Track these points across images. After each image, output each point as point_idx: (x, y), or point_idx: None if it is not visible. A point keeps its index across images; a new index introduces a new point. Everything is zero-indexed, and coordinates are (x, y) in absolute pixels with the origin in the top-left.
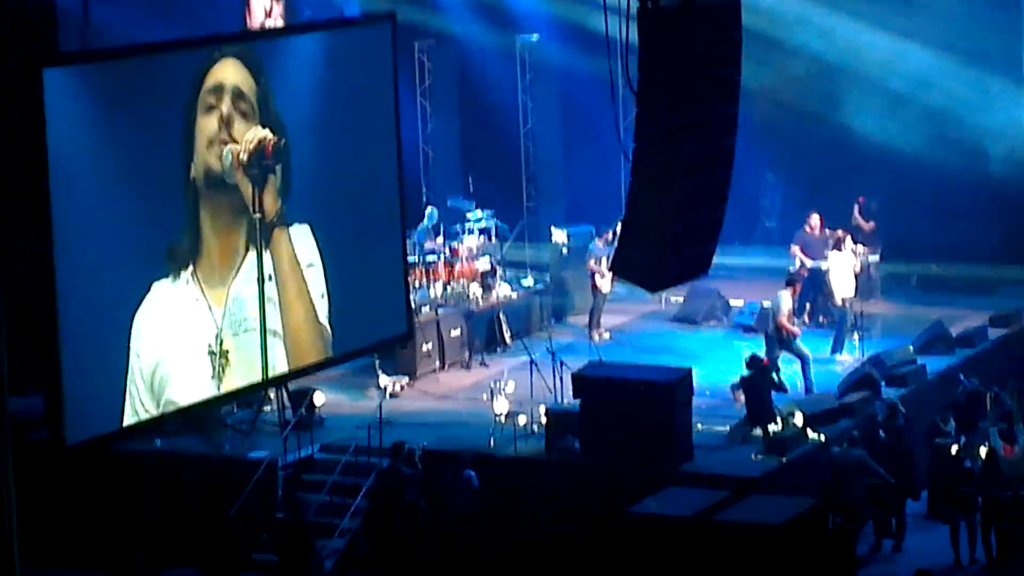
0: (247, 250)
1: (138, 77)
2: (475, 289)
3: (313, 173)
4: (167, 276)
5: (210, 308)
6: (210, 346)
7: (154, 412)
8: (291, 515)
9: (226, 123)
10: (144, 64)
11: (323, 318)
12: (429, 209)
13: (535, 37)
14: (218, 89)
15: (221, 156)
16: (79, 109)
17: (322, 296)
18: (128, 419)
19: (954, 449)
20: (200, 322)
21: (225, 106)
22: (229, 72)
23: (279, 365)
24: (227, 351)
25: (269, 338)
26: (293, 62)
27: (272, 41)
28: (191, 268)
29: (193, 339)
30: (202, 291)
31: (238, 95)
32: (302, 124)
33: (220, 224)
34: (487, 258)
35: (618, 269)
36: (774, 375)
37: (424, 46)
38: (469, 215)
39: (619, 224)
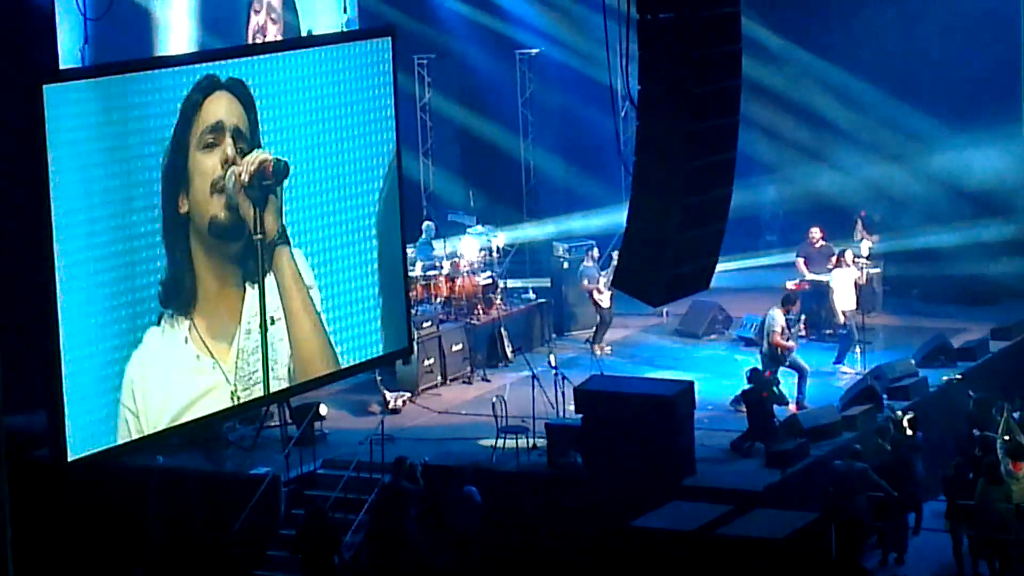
0: (247, 290)
1: (132, 100)
2: (476, 304)
3: (312, 189)
4: (158, 325)
5: (216, 365)
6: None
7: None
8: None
9: (230, 163)
10: (138, 86)
11: (329, 333)
12: (426, 224)
13: (535, 51)
14: (217, 127)
15: (225, 191)
16: (78, 127)
17: (325, 312)
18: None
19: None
20: (208, 383)
21: (228, 147)
22: (223, 108)
23: (287, 380)
24: (244, 403)
25: (276, 355)
26: (291, 79)
27: (267, 62)
28: (188, 320)
29: (205, 400)
30: (205, 347)
31: (237, 133)
32: (301, 140)
33: (218, 266)
34: (488, 273)
35: (619, 283)
36: (775, 388)
37: (424, 60)
38: (470, 230)
39: (616, 243)
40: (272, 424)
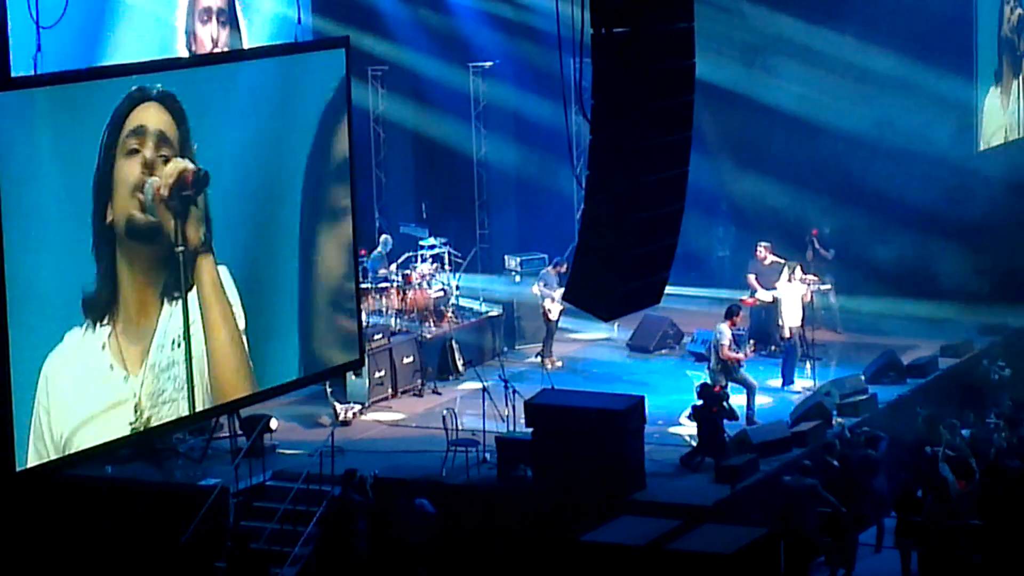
0: (163, 305)
1: (66, 107)
2: (427, 316)
3: (261, 198)
4: (81, 326)
5: (127, 378)
6: (131, 423)
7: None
8: (238, 547)
9: (149, 168)
10: (74, 93)
11: (250, 350)
12: (383, 237)
13: (489, 64)
14: (139, 131)
15: (143, 200)
16: (27, 135)
17: (247, 331)
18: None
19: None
20: (117, 396)
21: (148, 151)
22: (151, 116)
23: (203, 397)
24: (148, 420)
25: (194, 373)
26: (239, 89)
27: (209, 74)
28: (109, 327)
29: (109, 414)
30: (121, 357)
31: (161, 139)
32: (249, 151)
33: (139, 277)
34: (440, 285)
35: (571, 297)
36: (725, 404)
37: (378, 72)
38: (422, 242)
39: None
40: (222, 435)
